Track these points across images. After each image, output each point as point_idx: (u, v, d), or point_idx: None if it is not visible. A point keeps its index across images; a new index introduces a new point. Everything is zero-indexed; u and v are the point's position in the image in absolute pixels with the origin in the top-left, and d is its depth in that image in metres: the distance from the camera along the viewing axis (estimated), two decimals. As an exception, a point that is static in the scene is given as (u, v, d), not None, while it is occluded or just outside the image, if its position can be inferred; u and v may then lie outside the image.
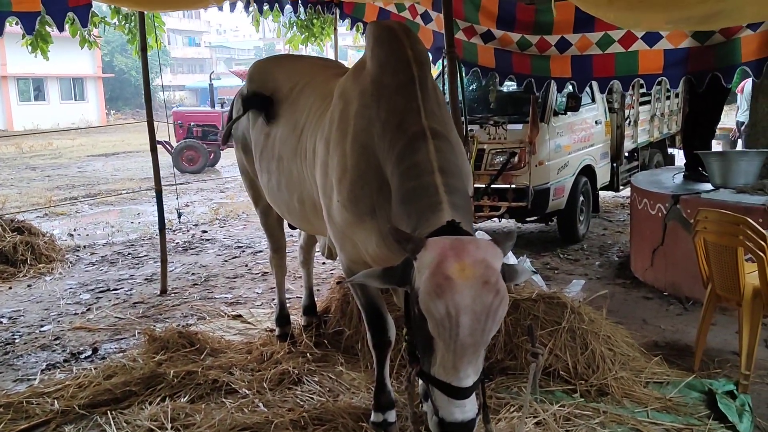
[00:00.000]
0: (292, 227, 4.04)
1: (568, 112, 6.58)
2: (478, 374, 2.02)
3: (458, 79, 4.96)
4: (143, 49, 5.44)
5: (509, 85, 7.31)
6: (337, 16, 7.03)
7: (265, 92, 3.63)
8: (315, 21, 7.75)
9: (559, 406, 3.21)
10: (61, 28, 4.89)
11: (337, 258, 3.43)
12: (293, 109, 3.43)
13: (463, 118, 4.94)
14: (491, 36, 5.69)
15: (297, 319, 4.49)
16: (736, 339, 4.06)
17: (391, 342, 3.07)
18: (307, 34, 7.78)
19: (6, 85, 31.62)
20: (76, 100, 35.11)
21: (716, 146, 9.25)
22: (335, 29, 7.75)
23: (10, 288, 5.82)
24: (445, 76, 5.03)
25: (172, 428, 3.10)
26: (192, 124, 15.60)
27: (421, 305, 1.93)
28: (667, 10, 2.56)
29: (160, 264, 5.77)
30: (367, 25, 3.07)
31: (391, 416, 3.04)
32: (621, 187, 8.01)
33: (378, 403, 3.05)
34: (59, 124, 30.26)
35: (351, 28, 6.99)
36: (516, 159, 6.09)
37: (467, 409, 1.98)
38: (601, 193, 7.81)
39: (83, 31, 6.95)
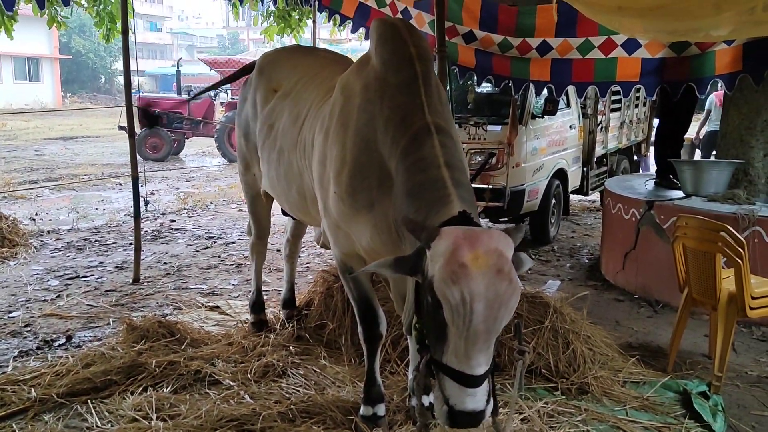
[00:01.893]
0: (284, 214, 4.03)
1: (546, 116, 6.70)
2: (489, 364, 2.03)
3: (447, 78, 4.99)
4: (124, 32, 5.30)
5: (486, 86, 7.40)
6: (316, 8, 7.00)
7: (272, 83, 3.65)
8: (292, 12, 7.70)
9: (543, 404, 3.29)
10: (10, 8, 4.74)
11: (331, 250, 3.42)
12: (296, 101, 3.43)
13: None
14: (473, 37, 5.75)
15: (276, 312, 4.46)
16: (705, 342, 4.22)
17: (382, 335, 3.08)
18: (283, 24, 7.72)
19: (-45, 63, 30.46)
20: (30, 80, 34.01)
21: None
22: (314, 21, 7.71)
23: (-27, 272, 5.63)
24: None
25: (157, 418, 3.06)
26: (157, 111, 15.28)
27: (437, 292, 1.93)
28: (678, 21, 2.64)
29: (129, 252, 5.66)
30: (372, 23, 3.06)
31: (381, 410, 3.05)
32: (590, 191, 8.19)
33: (368, 397, 3.06)
34: (12, 104, 29.27)
35: (328, 21, 6.95)
36: (494, 159, 6.16)
37: (478, 398, 1.98)
38: (571, 197, 7.97)
39: (51, 11, 6.78)
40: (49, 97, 34.29)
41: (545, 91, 6.08)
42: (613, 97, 8.38)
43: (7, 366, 3.72)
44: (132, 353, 3.66)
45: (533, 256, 6.50)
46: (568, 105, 7.38)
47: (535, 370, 3.60)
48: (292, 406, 3.14)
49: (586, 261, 6.43)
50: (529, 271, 5.98)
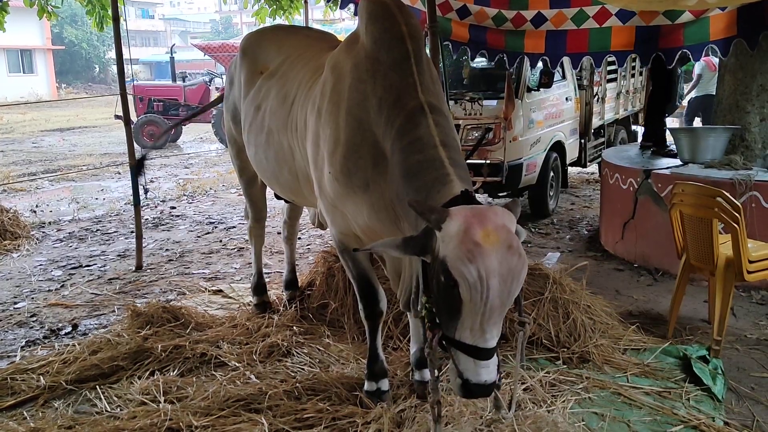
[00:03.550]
0: (278, 198, 4.04)
1: (541, 89, 6.68)
2: (499, 335, 2.09)
3: (440, 54, 4.98)
4: (115, 19, 5.28)
5: (480, 61, 7.37)
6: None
7: (257, 65, 3.62)
8: (283, -6, 7.63)
9: (545, 373, 3.33)
10: None
11: (327, 229, 3.45)
12: (284, 81, 3.41)
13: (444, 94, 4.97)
14: (467, 11, 5.71)
15: (279, 293, 4.50)
16: (705, 308, 4.26)
17: (383, 312, 3.12)
18: (275, 6, 7.66)
19: (-51, 57, 30.28)
20: (24, 72, 33.80)
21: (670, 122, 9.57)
22: (305, 2, 7.66)
23: (-24, 265, 5.67)
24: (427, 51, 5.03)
25: (165, 401, 3.10)
26: (152, 98, 15.24)
27: (453, 271, 1.97)
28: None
29: (131, 240, 5.69)
30: (361, 0, 3.05)
31: (385, 384, 3.10)
32: (588, 163, 8.18)
33: (371, 372, 3.10)
34: (7, 98, 29.11)
35: (321, 0, 6.87)
36: (491, 135, 6.16)
37: (491, 369, 2.05)
38: (569, 169, 7.97)
39: (41, 1, 6.74)
40: (44, 88, 34.10)
41: (540, 64, 6.06)
42: (609, 68, 8.36)
43: (16, 355, 3.77)
44: (138, 339, 3.70)
45: (533, 230, 6.53)
46: (563, 77, 7.36)
47: (536, 340, 3.64)
48: (297, 384, 3.18)
49: (586, 232, 6.45)
50: (529, 244, 6.01)
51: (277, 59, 3.57)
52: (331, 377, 3.27)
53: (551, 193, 7.12)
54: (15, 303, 4.72)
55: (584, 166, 8.22)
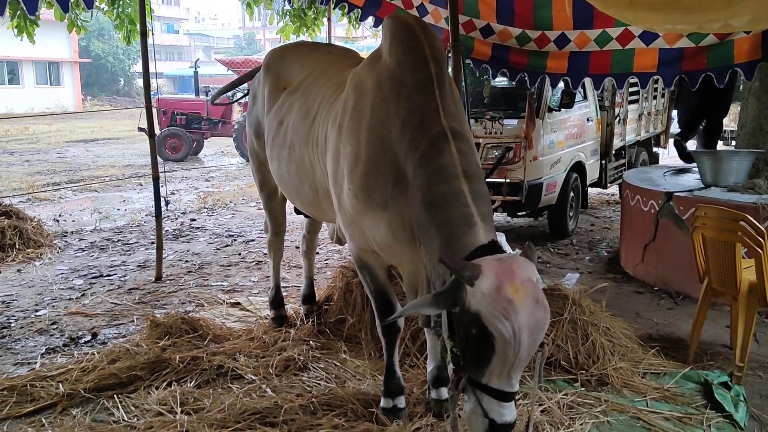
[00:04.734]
0: (297, 212, 4.06)
1: (562, 109, 6.67)
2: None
3: (462, 73, 5.00)
4: (143, 33, 5.37)
5: (502, 81, 7.38)
6: (331, 7, 6.96)
7: (281, 80, 3.67)
8: (307, 11, 7.73)
9: (563, 395, 3.29)
10: (33, 12, 4.52)
11: (346, 244, 3.46)
12: (306, 97, 3.45)
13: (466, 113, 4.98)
14: (490, 30, 5.74)
15: (297, 307, 4.51)
16: (727, 333, 4.20)
17: (400, 329, 3.12)
18: (299, 23, 7.76)
19: (-22, 68, 30.95)
20: (51, 84, 34.43)
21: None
22: (329, 19, 7.75)
23: (0, 273, 5.74)
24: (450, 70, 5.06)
25: (182, 412, 3.11)
26: (175, 111, 15.44)
27: (489, 327, 2.06)
28: (690, 14, 2.63)
29: (151, 251, 5.74)
30: (383, 20, 3.08)
31: (401, 402, 3.09)
32: (609, 184, 8.14)
33: (388, 389, 3.09)
34: (34, 108, 29.65)
35: (344, 17, 6.89)
36: (511, 153, 6.16)
37: (513, 409, 2.18)
38: (589, 190, 7.93)
39: (70, 14, 6.89)
40: (70, 100, 34.73)
41: (561, 84, 6.06)
42: (631, 89, 8.32)
43: (36, 362, 3.82)
44: (156, 349, 3.73)
45: (552, 250, 6.50)
46: (585, 97, 7.35)
47: (555, 362, 3.61)
48: (313, 399, 3.18)
49: (606, 254, 6.40)
50: (548, 265, 5.98)
51: (300, 75, 3.62)
52: (347, 393, 3.26)
53: (571, 214, 7.08)
54: (36, 311, 4.78)
55: (605, 187, 8.17)
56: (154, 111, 6.06)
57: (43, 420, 3.10)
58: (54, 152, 16.39)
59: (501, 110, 6.60)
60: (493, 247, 2.30)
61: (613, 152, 8.02)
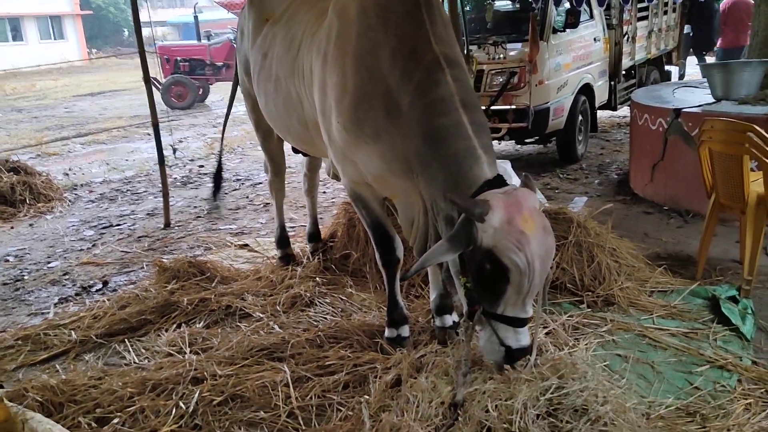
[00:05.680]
0: (295, 151, 4.01)
1: (567, 29, 6.44)
2: None
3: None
4: (130, -23, 5.23)
5: (504, 4, 7.15)
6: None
7: (264, 12, 3.56)
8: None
9: (568, 317, 3.29)
10: None
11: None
12: (289, 26, 3.33)
13: (463, 38, 4.83)
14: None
15: (304, 246, 4.52)
16: (736, 248, 4.14)
17: (400, 259, 3.10)
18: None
19: (-20, 26, 30.65)
20: (55, 39, 34.09)
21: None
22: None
23: (12, 227, 5.82)
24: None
25: (191, 352, 3.17)
26: (178, 58, 15.22)
27: (504, 260, 2.10)
28: None
29: (160, 199, 5.75)
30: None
31: (405, 331, 3.11)
32: (619, 106, 7.94)
33: (392, 320, 3.11)
34: (39, 64, 29.46)
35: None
36: (516, 79, 6.00)
37: (526, 333, 2.28)
38: (599, 113, 7.75)
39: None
40: (75, 54, 34.39)
41: (565, 4, 5.84)
42: (640, 5, 8.02)
43: (49, 312, 3.90)
44: (164, 293, 3.78)
45: (561, 176, 6.42)
46: (591, 16, 7.08)
47: (560, 285, 3.59)
48: (319, 333, 3.22)
49: (615, 177, 6.31)
50: (557, 190, 5.92)
51: (283, 4, 3.50)
52: (353, 325, 3.29)
53: (580, 138, 6.95)
54: (49, 263, 4.85)
55: (614, 108, 7.98)
56: (156, 59, 5.94)
57: (57, 366, 3.18)
58: (61, 107, 16.35)
59: (504, 35, 6.40)
60: (500, 182, 2.30)
61: (623, 72, 7.79)
